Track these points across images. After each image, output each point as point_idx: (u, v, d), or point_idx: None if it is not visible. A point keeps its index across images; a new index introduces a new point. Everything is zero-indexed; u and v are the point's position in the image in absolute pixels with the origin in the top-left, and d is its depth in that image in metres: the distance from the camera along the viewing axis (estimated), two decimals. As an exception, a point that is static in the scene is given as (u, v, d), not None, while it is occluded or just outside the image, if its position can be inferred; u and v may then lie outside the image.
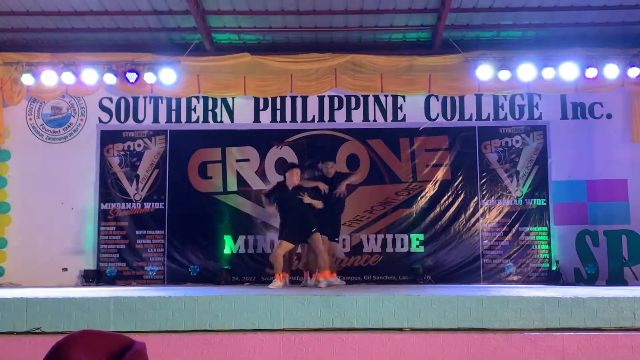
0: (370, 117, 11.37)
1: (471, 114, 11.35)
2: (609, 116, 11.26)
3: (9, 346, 5.78)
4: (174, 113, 11.40)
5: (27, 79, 10.75)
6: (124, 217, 11.21)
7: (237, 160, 11.30)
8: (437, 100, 11.35)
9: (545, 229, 11.05)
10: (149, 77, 10.72)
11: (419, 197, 11.16)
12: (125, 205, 11.23)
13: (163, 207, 11.17)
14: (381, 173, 11.23)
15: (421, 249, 11.09)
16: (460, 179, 11.23)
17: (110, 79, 10.77)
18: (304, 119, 11.38)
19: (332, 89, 11.20)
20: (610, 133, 11.21)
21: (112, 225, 11.20)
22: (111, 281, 10.90)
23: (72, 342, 1.17)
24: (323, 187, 9.37)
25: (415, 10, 10.21)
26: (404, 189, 11.17)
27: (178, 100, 11.38)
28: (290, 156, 11.20)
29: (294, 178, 8.99)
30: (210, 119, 11.39)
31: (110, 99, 11.41)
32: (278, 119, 11.39)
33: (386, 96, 11.34)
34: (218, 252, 11.10)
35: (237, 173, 11.25)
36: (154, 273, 11.03)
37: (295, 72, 11.01)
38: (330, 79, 11.04)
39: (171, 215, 11.15)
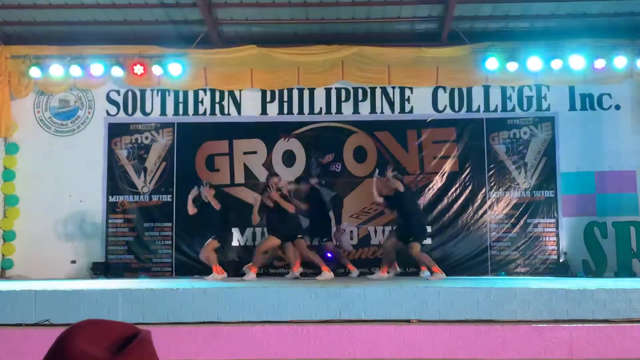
0: (378, 109, 11.34)
1: (479, 106, 11.30)
2: (617, 107, 11.18)
3: (18, 338, 5.82)
4: (181, 106, 11.40)
5: (34, 72, 10.78)
6: (131, 209, 11.23)
7: (245, 153, 11.30)
8: (445, 91, 11.30)
9: (554, 220, 11.01)
10: (156, 70, 10.74)
11: (427, 189, 11.13)
12: (133, 197, 11.25)
13: (171, 199, 11.18)
14: (388, 165, 11.17)
15: (429, 241, 11.06)
16: (468, 170, 11.19)
17: (117, 71, 10.79)
18: (311, 111, 11.36)
19: (339, 81, 11.17)
20: (619, 124, 11.14)
21: (120, 217, 11.22)
22: (119, 273, 10.92)
23: (76, 331, 1.17)
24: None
25: (422, 2, 10.19)
26: (412, 181, 11.11)
27: (185, 93, 11.37)
28: (298, 148, 11.19)
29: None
30: (217, 111, 11.38)
31: (118, 92, 11.41)
32: (285, 111, 11.37)
33: (393, 88, 11.30)
34: (226, 245, 11.10)
35: (245, 165, 11.25)
36: (162, 265, 11.06)
37: (302, 64, 10.98)
38: (338, 71, 11.01)
39: (179, 207, 11.14)
